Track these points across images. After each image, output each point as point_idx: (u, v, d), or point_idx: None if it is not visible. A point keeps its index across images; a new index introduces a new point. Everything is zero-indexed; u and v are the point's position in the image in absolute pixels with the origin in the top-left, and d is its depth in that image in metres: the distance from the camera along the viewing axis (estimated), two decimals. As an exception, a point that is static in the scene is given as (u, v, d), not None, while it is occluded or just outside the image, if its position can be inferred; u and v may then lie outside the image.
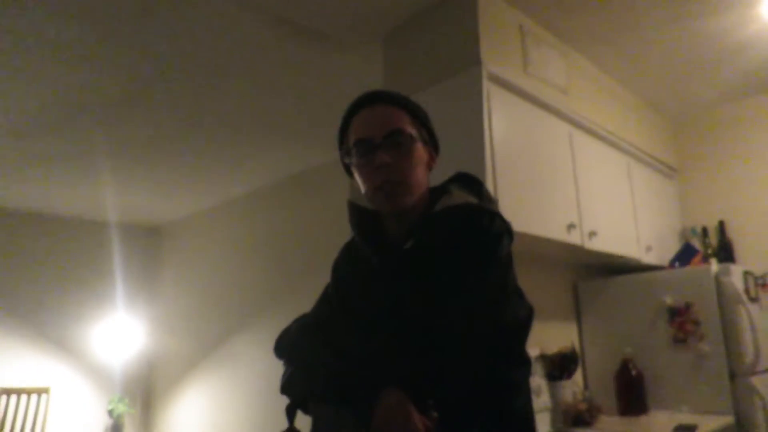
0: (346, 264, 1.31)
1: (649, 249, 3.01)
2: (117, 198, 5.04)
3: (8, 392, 4.72)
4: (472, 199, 1.17)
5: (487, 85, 2.13)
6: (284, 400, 1.18)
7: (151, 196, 5.04)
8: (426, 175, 1.22)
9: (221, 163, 4.29)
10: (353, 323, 1.17)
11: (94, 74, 2.87)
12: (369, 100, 1.21)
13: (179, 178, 4.60)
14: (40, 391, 4.83)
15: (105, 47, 2.63)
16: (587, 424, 2.49)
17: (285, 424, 1.17)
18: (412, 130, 1.18)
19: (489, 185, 2.02)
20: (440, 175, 1.29)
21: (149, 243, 6.11)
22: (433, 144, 1.25)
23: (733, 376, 2.59)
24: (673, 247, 3.25)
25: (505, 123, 2.19)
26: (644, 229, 3.02)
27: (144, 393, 5.77)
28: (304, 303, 1.38)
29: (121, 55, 2.71)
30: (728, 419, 2.50)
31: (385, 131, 1.16)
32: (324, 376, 1.09)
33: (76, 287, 5.42)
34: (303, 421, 1.16)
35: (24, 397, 4.76)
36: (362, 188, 1.20)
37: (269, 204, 4.87)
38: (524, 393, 1.17)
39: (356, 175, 1.21)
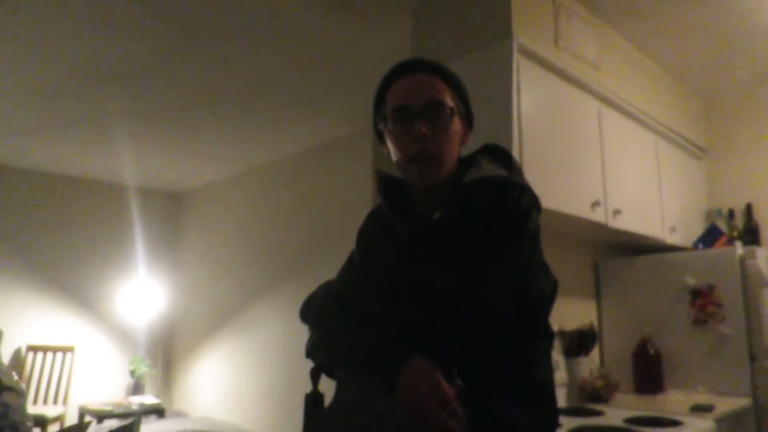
0: (372, 232, 1.30)
1: (673, 229, 2.98)
2: (141, 163, 5.10)
3: (35, 349, 4.88)
4: (502, 172, 1.16)
5: (517, 58, 2.09)
6: (302, 365, 1.20)
7: (174, 162, 5.10)
8: (458, 148, 1.21)
9: (245, 131, 4.31)
10: (378, 291, 1.18)
11: (121, 39, 2.88)
12: (411, 66, 1.19)
13: (203, 145, 4.63)
14: (66, 350, 4.98)
15: (133, 12, 2.63)
16: (603, 400, 2.51)
17: (303, 389, 1.19)
18: (452, 103, 1.16)
19: (515, 160, 2.00)
20: (467, 145, 1.27)
21: (172, 208, 6.21)
22: (468, 119, 1.24)
23: (753, 359, 2.58)
24: (698, 229, 3.21)
25: (533, 97, 2.16)
26: (669, 210, 2.99)
27: (165, 354, 5.92)
28: (324, 271, 1.39)
29: (148, 21, 2.72)
30: (746, 401, 2.50)
31: (425, 101, 1.14)
32: (349, 342, 1.10)
33: (101, 249, 5.54)
34: (327, 384, 1.18)
35: (50, 354, 4.92)
36: (394, 156, 1.19)
37: (292, 173, 4.90)
38: (546, 365, 1.18)
39: (389, 143, 1.19)
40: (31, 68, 3.19)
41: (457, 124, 1.18)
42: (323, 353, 1.18)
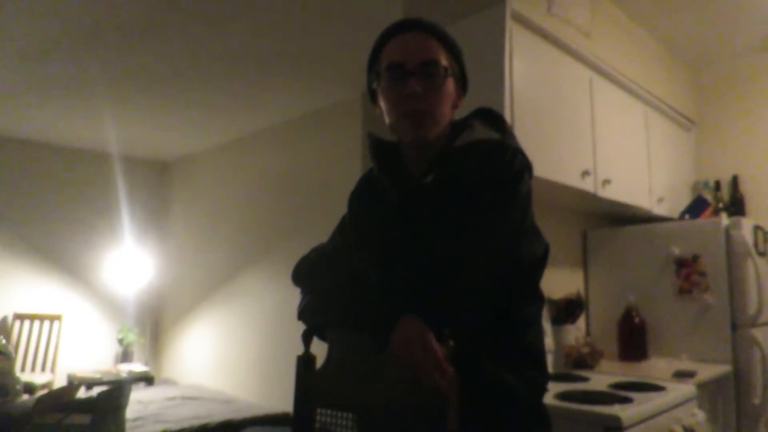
0: (364, 195, 1.31)
1: (660, 200, 3.00)
2: (127, 131, 5.02)
3: (22, 318, 4.86)
4: (495, 135, 1.16)
5: (509, 24, 2.07)
6: (291, 333, 1.20)
7: (160, 130, 5.02)
8: (451, 111, 1.20)
9: (233, 99, 4.24)
10: (369, 253, 1.18)
11: (105, 1, 2.80)
12: (408, 26, 1.19)
13: (190, 113, 4.55)
14: (53, 318, 4.97)
15: (118, -28, 2.57)
16: (589, 366, 2.55)
17: (291, 356, 1.19)
18: (446, 64, 1.16)
19: (506, 127, 2.00)
20: (459, 111, 1.27)
21: (159, 177, 6.15)
22: (462, 82, 1.23)
23: (735, 327, 2.63)
24: (685, 200, 3.24)
25: (526, 64, 2.14)
26: (657, 180, 3.01)
27: (153, 323, 5.92)
28: (312, 239, 1.39)
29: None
30: (727, 368, 2.55)
31: (420, 60, 1.14)
32: (341, 303, 1.10)
33: (88, 218, 5.49)
34: (318, 347, 1.18)
35: (37, 323, 4.90)
36: (386, 116, 1.18)
37: (280, 141, 4.85)
38: (536, 328, 1.19)
39: (382, 101, 1.19)
40: (13, 31, 3.10)
41: (450, 85, 1.17)
42: (315, 314, 1.18)
